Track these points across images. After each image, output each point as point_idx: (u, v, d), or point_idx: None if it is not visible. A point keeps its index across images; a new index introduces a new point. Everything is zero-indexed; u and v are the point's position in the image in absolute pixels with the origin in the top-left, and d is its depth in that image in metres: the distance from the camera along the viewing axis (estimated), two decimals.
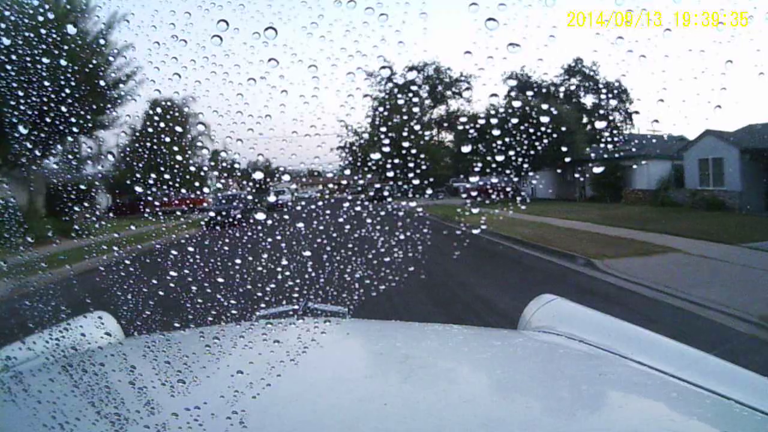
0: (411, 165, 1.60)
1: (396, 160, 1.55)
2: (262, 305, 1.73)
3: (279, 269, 1.58)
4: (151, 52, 1.30)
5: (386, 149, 1.49)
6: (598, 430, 0.96)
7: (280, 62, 1.23)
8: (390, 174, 1.58)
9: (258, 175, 1.67)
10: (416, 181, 1.67)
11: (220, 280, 1.47)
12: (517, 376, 1.29)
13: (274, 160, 1.64)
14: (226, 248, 1.97)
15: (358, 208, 1.91)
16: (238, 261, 1.63)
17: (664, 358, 1.27)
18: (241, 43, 1.22)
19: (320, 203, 2.24)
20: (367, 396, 1.10)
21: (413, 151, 1.56)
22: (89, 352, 1.31)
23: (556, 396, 1.13)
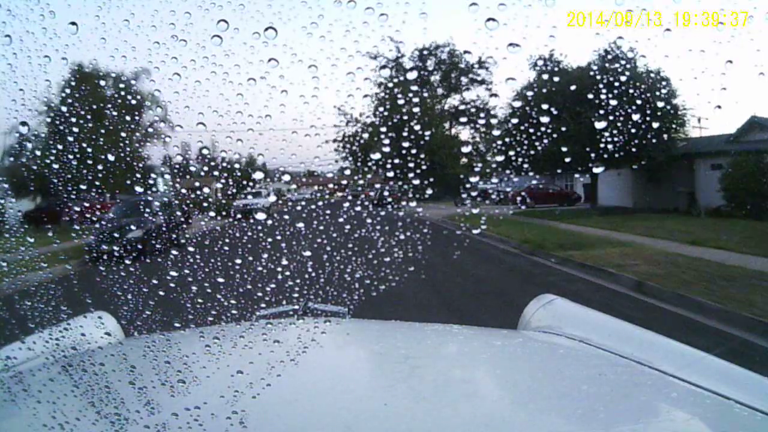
0: (412, 165, 1.52)
1: (397, 160, 1.48)
2: (262, 305, 1.73)
3: (279, 269, 1.58)
4: (151, 52, 1.30)
5: (386, 149, 1.46)
6: (598, 430, 0.96)
7: (280, 62, 1.23)
8: (390, 174, 1.52)
9: (258, 175, 1.67)
10: (420, 182, 1.59)
11: (220, 280, 1.46)
12: (517, 376, 1.29)
13: (274, 160, 1.62)
14: (226, 248, 1.97)
15: (357, 210, 1.90)
16: (238, 261, 1.63)
17: (664, 358, 1.27)
18: (241, 43, 1.22)
19: (320, 203, 2.23)
20: (367, 396, 1.10)
21: (414, 151, 1.49)
22: (89, 352, 1.31)
23: (556, 396, 1.13)
